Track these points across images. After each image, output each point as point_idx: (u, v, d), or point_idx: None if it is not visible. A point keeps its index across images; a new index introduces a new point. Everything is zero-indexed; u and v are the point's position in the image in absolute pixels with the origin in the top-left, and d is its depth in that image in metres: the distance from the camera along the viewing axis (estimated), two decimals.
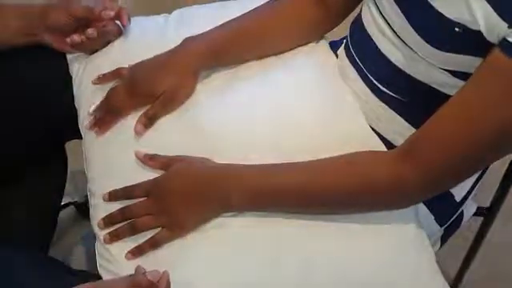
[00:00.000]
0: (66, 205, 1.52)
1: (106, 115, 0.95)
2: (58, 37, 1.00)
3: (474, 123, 0.75)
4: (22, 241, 1.09)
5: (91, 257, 0.88)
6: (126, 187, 0.88)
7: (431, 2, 0.79)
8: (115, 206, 0.88)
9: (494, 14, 0.72)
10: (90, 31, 0.98)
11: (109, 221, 0.87)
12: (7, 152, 1.02)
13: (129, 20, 1.03)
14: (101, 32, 0.99)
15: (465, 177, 0.86)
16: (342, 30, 1.08)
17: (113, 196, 0.88)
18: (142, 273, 0.75)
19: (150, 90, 0.94)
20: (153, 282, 0.73)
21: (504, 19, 0.71)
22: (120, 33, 1.03)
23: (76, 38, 0.98)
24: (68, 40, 0.98)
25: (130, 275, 0.75)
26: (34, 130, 1.03)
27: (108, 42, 1.03)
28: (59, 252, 1.43)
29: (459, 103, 0.77)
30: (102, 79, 0.99)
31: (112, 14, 0.99)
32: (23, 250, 0.87)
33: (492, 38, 0.74)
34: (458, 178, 0.85)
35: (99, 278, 0.84)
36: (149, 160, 0.90)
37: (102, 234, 0.86)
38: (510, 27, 0.71)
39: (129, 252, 0.84)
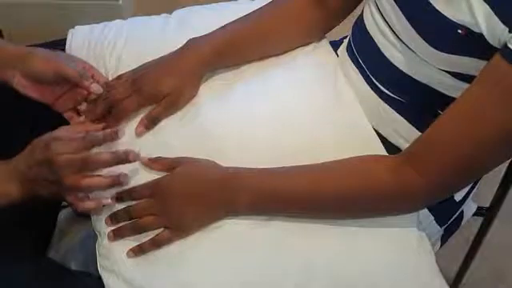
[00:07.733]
0: (66, 205, 1.51)
1: (112, 118, 0.94)
2: (33, 83, 0.93)
3: (476, 127, 0.75)
4: (22, 241, 1.09)
5: (91, 257, 0.88)
6: (131, 188, 0.88)
7: (434, 4, 0.79)
8: (115, 206, 0.88)
9: (495, 18, 0.72)
10: (80, 107, 0.96)
11: (114, 219, 0.87)
12: (7, 152, 1.02)
13: None
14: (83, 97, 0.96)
15: (469, 181, 0.86)
16: (342, 29, 1.08)
17: (119, 197, 0.88)
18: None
19: (154, 92, 0.94)
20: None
21: (505, 23, 0.71)
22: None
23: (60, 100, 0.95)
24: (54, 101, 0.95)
25: None
26: (34, 129, 1.03)
27: None
28: (59, 252, 1.43)
29: (462, 107, 0.77)
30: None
31: (101, 90, 0.93)
32: (23, 251, 0.86)
33: (494, 41, 0.74)
34: (463, 182, 0.85)
35: (99, 278, 0.84)
36: (153, 163, 0.89)
37: (107, 231, 0.86)
38: (510, 31, 0.70)
39: (130, 249, 0.84)
